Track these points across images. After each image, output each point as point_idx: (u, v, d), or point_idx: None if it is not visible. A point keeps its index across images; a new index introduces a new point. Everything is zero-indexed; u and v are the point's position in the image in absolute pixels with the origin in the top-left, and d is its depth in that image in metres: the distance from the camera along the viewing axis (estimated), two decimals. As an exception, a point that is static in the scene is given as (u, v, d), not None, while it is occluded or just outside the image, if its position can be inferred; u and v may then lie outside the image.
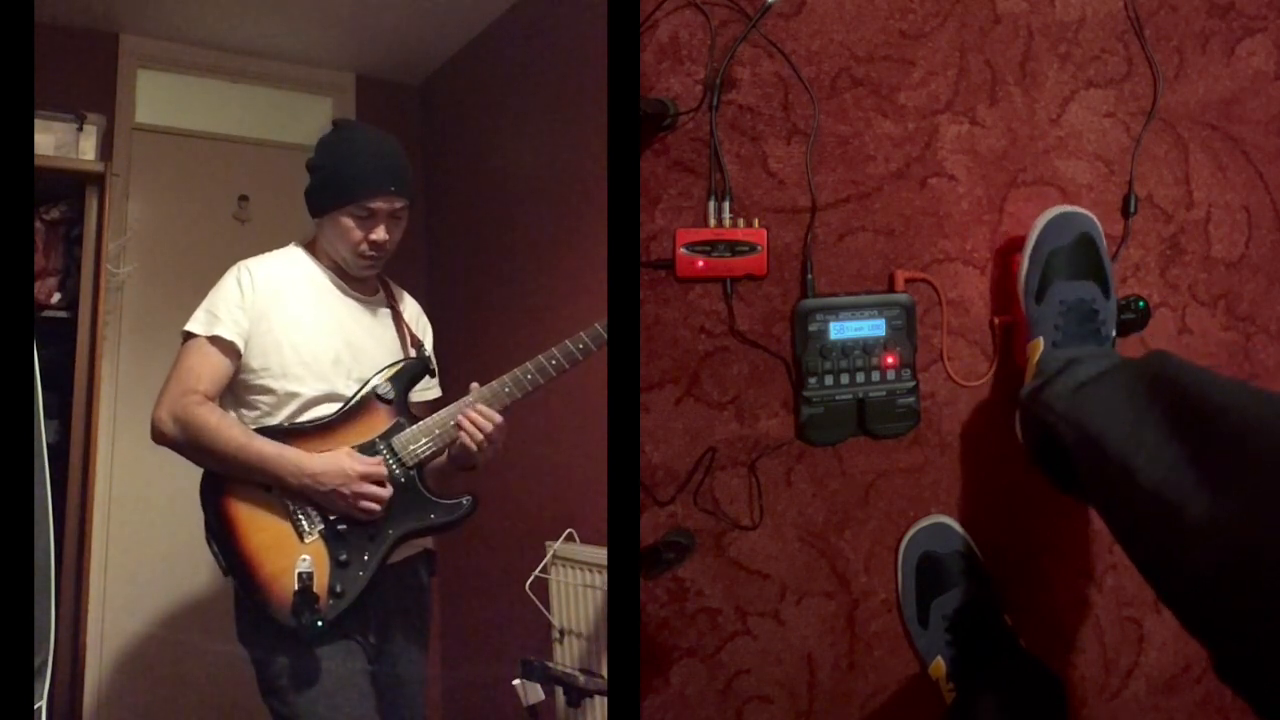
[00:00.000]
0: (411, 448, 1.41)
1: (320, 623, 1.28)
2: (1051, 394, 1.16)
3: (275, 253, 1.50)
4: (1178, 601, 0.90)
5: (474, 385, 1.44)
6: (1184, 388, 0.95)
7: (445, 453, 1.44)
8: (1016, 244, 1.33)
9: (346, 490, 1.33)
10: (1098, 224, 1.30)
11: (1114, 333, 1.29)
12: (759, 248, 1.27)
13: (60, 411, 2.07)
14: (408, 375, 1.47)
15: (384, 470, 1.36)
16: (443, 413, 1.44)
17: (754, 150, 1.29)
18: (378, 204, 1.42)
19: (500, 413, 1.42)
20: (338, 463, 1.35)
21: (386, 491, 1.35)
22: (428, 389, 1.55)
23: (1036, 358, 1.26)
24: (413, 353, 1.53)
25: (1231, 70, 1.49)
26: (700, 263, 1.26)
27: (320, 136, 1.50)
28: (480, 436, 1.40)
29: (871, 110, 1.33)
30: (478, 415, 1.40)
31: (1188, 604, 0.89)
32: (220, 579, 1.35)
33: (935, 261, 1.36)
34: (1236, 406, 0.87)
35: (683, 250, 1.25)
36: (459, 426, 1.40)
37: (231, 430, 1.35)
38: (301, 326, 1.43)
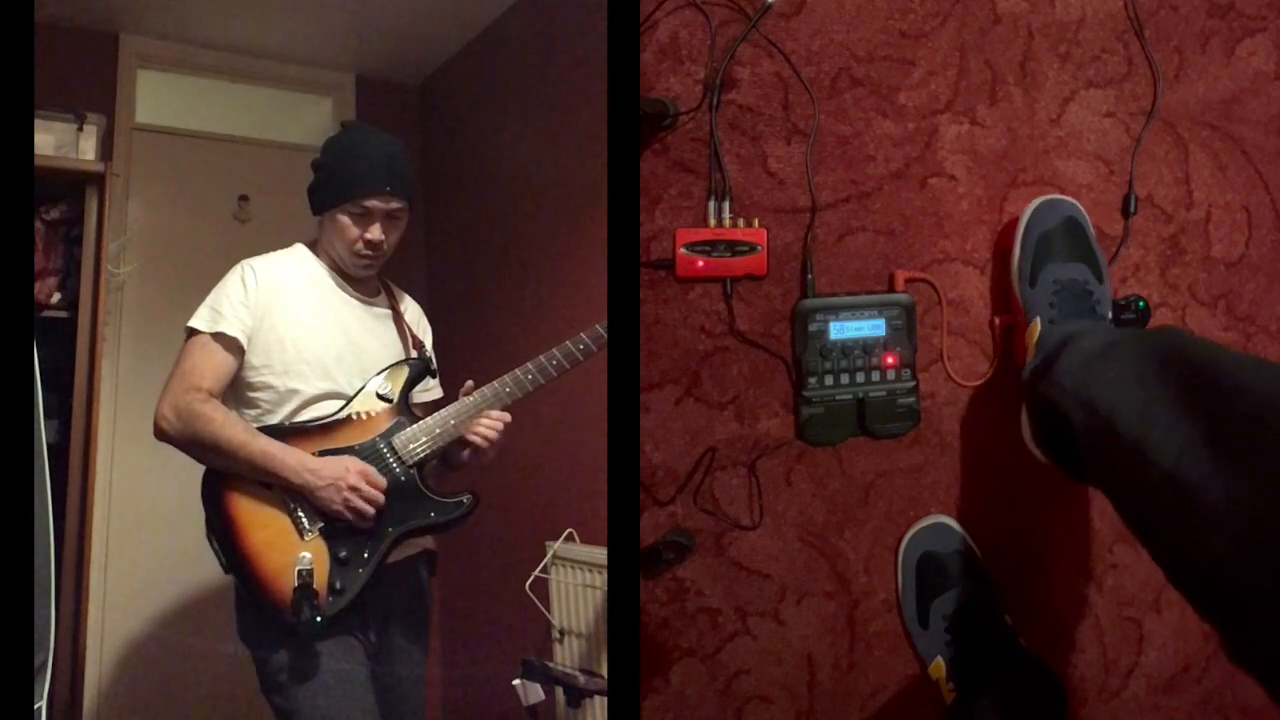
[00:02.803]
0: (412, 447, 1.41)
1: (320, 619, 1.28)
2: (1058, 371, 1.15)
3: (280, 252, 1.51)
4: (1190, 584, 0.89)
5: (469, 383, 1.45)
6: (1197, 365, 0.93)
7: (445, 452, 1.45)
8: (1009, 230, 1.34)
9: (343, 485, 1.33)
10: (1083, 210, 1.32)
11: (1109, 314, 1.29)
12: (759, 248, 1.27)
13: (60, 411, 2.07)
14: (409, 375, 1.48)
15: (383, 481, 1.36)
16: (443, 412, 1.44)
17: (754, 150, 1.29)
18: (373, 203, 1.43)
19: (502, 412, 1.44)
20: (340, 461, 1.36)
21: (380, 497, 1.35)
22: (428, 389, 1.56)
23: (1035, 338, 1.26)
24: (414, 353, 1.53)
25: (1231, 70, 1.49)
26: (700, 263, 1.26)
27: (328, 136, 1.52)
28: (494, 437, 1.43)
29: (871, 110, 1.33)
30: (491, 421, 1.44)
31: (1201, 586, 0.87)
32: (221, 577, 1.35)
33: (935, 261, 1.36)
34: (1252, 384, 0.85)
35: (683, 250, 1.26)
36: (479, 435, 1.42)
37: (235, 428, 1.35)
38: (304, 324, 1.44)
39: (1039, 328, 1.26)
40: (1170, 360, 0.97)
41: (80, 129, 2.18)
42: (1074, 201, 1.32)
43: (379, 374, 1.46)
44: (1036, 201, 1.32)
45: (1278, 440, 0.78)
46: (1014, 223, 1.34)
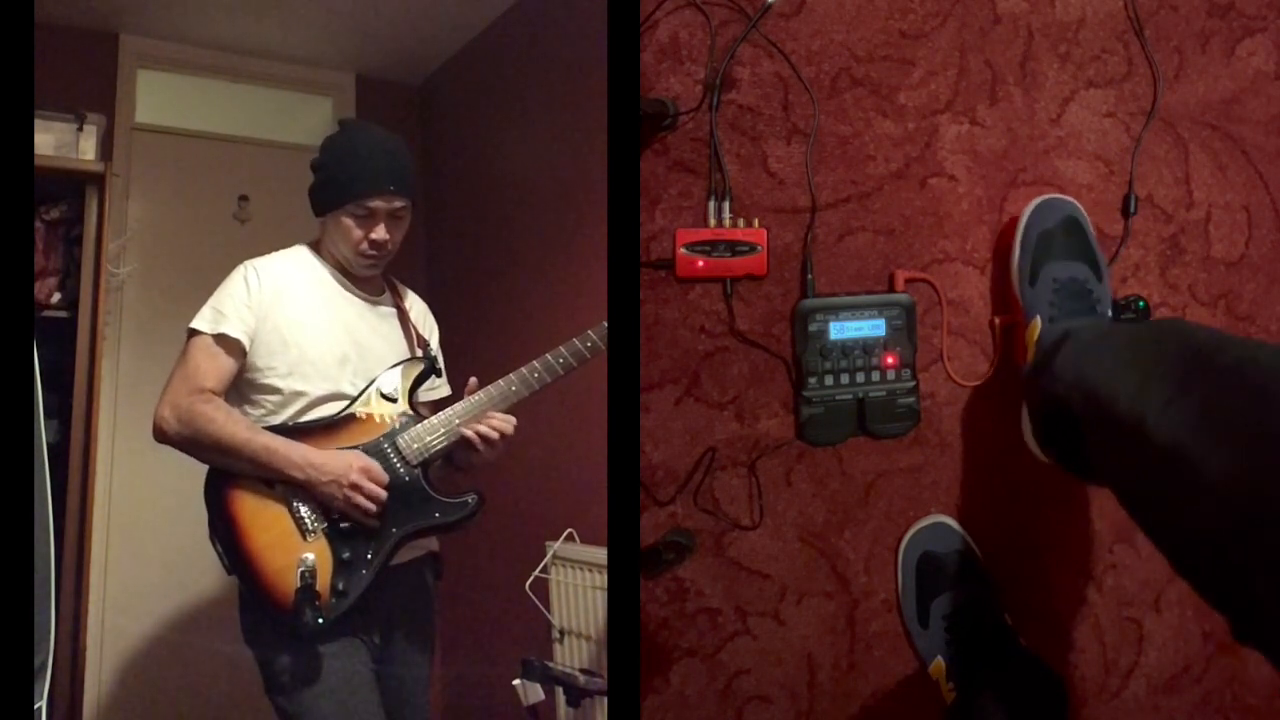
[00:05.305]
0: (416, 446, 1.40)
1: (321, 620, 1.28)
2: (1057, 365, 1.15)
3: (282, 252, 1.50)
4: (1193, 564, 0.88)
5: (473, 380, 1.45)
6: (1195, 345, 0.92)
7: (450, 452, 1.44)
8: (1009, 230, 1.34)
9: (344, 482, 1.33)
10: (1082, 210, 1.32)
11: (1110, 312, 1.29)
12: (759, 248, 1.27)
13: (60, 411, 2.07)
14: (414, 374, 1.47)
15: (386, 477, 1.36)
16: (448, 411, 1.43)
17: (754, 150, 1.29)
18: (376, 203, 1.43)
19: (508, 412, 1.43)
20: (343, 456, 1.35)
21: (381, 494, 1.35)
22: (435, 388, 1.55)
23: (1035, 337, 1.26)
24: (419, 352, 1.52)
25: (1231, 70, 1.49)
26: (700, 263, 1.26)
27: (326, 135, 1.51)
28: (496, 437, 1.41)
29: (871, 110, 1.33)
30: (498, 422, 1.41)
31: (1203, 565, 0.86)
32: (223, 578, 1.35)
33: (935, 261, 1.36)
34: (1252, 359, 0.84)
35: (683, 250, 1.26)
36: (483, 438, 1.40)
37: (237, 425, 1.35)
38: (308, 326, 1.43)
39: (1039, 326, 1.26)
40: (1167, 342, 0.97)
41: (80, 129, 2.18)
42: (1073, 201, 1.33)
43: (384, 373, 1.45)
44: (1036, 201, 1.32)
45: (1277, 412, 0.77)
46: (1014, 222, 1.34)
